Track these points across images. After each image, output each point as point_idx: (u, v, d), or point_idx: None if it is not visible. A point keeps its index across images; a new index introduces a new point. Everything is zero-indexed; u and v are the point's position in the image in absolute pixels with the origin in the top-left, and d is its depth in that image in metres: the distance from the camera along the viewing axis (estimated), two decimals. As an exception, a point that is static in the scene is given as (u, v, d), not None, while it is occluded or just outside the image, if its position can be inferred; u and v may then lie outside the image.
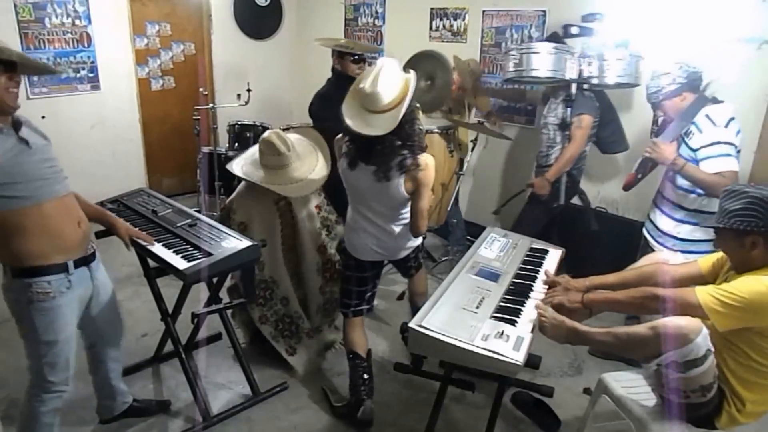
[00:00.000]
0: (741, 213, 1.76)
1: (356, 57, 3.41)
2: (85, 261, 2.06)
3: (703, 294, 1.76)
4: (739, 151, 2.56)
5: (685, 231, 2.71)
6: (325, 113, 3.15)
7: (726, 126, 2.53)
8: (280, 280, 2.87)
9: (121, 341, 2.40)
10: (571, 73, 3.11)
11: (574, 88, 3.16)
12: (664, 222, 2.80)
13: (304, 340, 2.96)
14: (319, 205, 2.97)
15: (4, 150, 1.78)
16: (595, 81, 3.13)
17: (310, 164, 2.81)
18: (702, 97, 2.65)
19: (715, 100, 2.65)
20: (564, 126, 3.22)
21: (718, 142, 2.52)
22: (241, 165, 2.80)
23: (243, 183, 2.87)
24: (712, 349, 1.76)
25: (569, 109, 3.18)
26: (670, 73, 2.65)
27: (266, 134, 2.71)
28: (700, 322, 1.76)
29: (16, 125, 1.86)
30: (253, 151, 2.85)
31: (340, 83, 3.16)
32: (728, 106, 2.61)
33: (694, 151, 2.58)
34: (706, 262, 2.07)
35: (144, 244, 2.35)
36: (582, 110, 3.19)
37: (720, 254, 2.00)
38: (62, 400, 2.10)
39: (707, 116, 2.56)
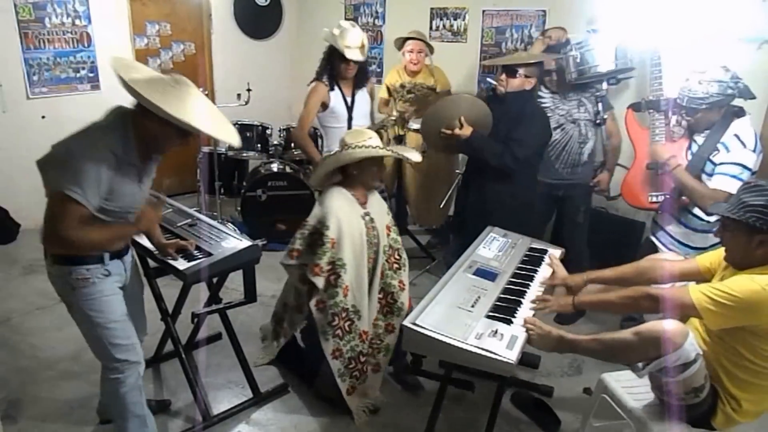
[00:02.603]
0: (761, 210, 1.72)
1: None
2: (119, 254, 2.10)
3: (697, 293, 1.75)
4: (754, 173, 2.51)
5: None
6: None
7: (754, 150, 2.49)
8: (363, 311, 2.52)
9: (142, 338, 2.34)
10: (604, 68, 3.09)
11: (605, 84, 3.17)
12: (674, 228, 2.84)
13: (370, 379, 2.61)
14: (389, 225, 2.69)
15: (122, 174, 1.88)
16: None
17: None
18: (729, 111, 2.54)
19: (739, 112, 2.55)
20: (596, 122, 3.19)
21: (740, 164, 2.47)
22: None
23: (328, 190, 2.53)
24: (701, 352, 1.76)
25: (600, 105, 3.16)
26: (723, 82, 2.45)
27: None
28: (686, 326, 1.76)
29: (148, 167, 2.03)
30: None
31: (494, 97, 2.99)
32: (750, 121, 2.51)
33: (716, 165, 2.55)
34: (704, 260, 2.06)
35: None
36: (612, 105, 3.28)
37: (718, 253, 1.99)
38: (139, 375, 2.11)
39: (736, 136, 2.50)
